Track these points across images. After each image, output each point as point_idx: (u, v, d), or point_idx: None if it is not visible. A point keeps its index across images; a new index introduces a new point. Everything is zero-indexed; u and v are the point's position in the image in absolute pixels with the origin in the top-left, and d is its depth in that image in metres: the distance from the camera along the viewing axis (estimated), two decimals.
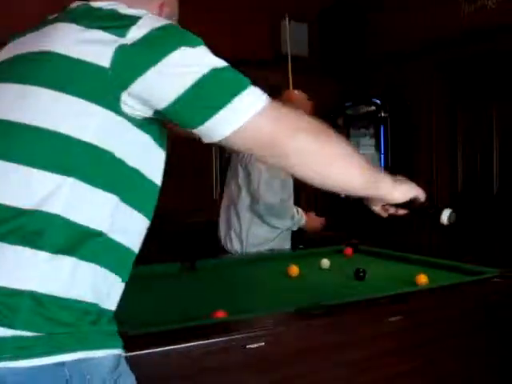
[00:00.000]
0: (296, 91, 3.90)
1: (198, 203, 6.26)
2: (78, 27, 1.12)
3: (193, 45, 1.14)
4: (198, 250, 3.09)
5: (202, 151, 6.24)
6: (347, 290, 2.21)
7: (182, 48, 1.11)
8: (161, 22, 1.15)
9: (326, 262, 2.71)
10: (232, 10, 6.19)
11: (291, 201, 3.49)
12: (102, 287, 1.10)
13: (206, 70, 1.11)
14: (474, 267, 2.47)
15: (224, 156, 6.46)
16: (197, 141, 1.19)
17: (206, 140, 1.16)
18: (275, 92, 6.47)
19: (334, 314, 1.77)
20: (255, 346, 1.54)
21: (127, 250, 1.16)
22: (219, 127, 1.12)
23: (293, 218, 3.43)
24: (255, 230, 3.37)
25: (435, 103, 5.69)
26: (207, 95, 1.11)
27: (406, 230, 5.90)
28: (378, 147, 5.99)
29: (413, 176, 5.35)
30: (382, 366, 1.83)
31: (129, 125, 1.12)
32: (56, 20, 1.20)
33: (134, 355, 1.35)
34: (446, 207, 1.50)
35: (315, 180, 1.25)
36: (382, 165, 5.93)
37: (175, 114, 1.13)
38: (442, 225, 1.50)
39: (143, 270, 2.58)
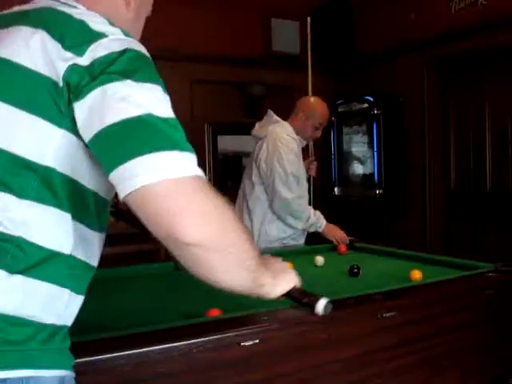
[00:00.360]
0: (312, 98, 3.94)
1: None
2: (39, 35, 1.05)
3: (144, 80, 1.03)
4: None
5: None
6: (342, 287, 2.21)
7: (128, 81, 1.01)
8: (125, 45, 1.05)
9: (320, 259, 2.71)
10: (223, 8, 6.18)
11: (305, 200, 3.57)
12: (57, 304, 1.06)
13: (140, 112, 0.99)
14: (469, 262, 2.48)
15: (218, 158, 6.46)
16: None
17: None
18: (268, 90, 6.48)
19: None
20: (250, 343, 1.54)
21: (85, 265, 1.12)
22: (124, 181, 0.98)
23: (308, 219, 3.48)
24: (267, 227, 3.52)
25: (427, 100, 5.70)
26: (125, 139, 0.98)
27: (401, 227, 5.92)
28: (370, 144, 6.00)
29: (406, 173, 5.37)
30: (377, 361, 1.83)
31: (82, 144, 1.04)
32: (18, 21, 1.12)
33: (135, 353, 1.37)
34: (322, 297, 1.47)
35: (200, 277, 1.09)
36: (376, 162, 5.94)
37: (93, 149, 1.02)
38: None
39: (138, 269, 2.58)
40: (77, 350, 1.35)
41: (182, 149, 1.01)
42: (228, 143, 6.59)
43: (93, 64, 1.00)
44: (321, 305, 1.46)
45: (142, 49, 1.10)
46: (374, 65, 6.27)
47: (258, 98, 6.47)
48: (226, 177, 6.60)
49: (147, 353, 1.39)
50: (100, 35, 1.04)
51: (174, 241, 0.98)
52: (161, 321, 1.63)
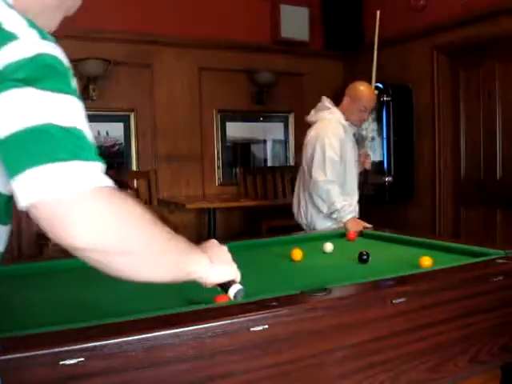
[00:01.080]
0: (358, 82, 3.99)
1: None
2: None
3: (49, 88, 0.98)
4: None
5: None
6: (351, 273, 2.21)
7: (31, 89, 0.96)
8: (37, 50, 0.99)
9: (329, 246, 2.71)
10: None
11: (336, 186, 3.61)
12: None
13: (39, 121, 0.96)
14: (479, 249, 2.47)
15: (226, 145, 6.45)
16: None
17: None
18: (277, 77, 6.47)
19: (338, 297, 1.77)
20: (259, 328, 1.54)
21: None
22: (21, 192, 0.96)
23: (332, 205, 3.55)
24: (310, 208, 3.78)
25: (437, 87, 5.67)
26: (22, 149, 0.95)
27: (410, 215, 5.91)
28: (380, 131, 5.97)
29: (416, 161, 5.36)
30: (387, 348, 1.83)
31: None
32: None
33: (145, 337, 1.37)
34: (238, 284, 1.54)
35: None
36: (385, 149, 5.92)
37: None
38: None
39: None
40: (87, 334, 1.37)
41: (82, 159, 0.99)
42: (237, 130, 6.58)
43: (1, 70, 0.96)
44: (233, 290, 1.52)
45: (57, 53, 1.04)
46: (383, 51, 6.22)
47: (267, 85, 6.45)
48: (235, 164, 6.60)
49: (157, 337, 1.39)
50: (11, 37, 0.98)
51: (69, 247, 1.00)
52: (169, 306, 1.64)
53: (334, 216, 3.57)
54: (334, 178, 3.60)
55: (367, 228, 3.34)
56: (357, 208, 3.82)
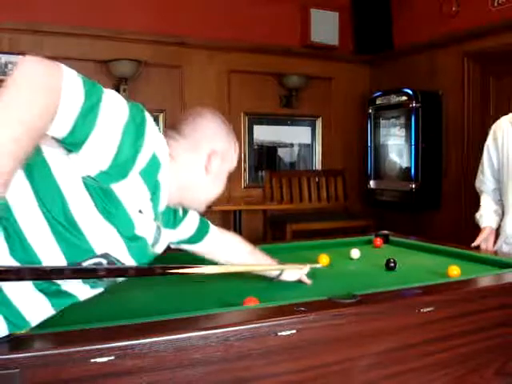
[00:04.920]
0: None
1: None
2: None
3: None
4: None
5: None
6: (378, 280, 2.20)
7: None
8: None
9: (356, 252, 2.70)
10: None
11: (483, 189, 3.19)
12: None
13: None
14: (507, 259, 2.45)
15: (253, 147, 6.46)
16: None
17: None
18: (306, 81, 6.46)
19: (365, 304, 1.77)
20: (287, 333, 1.55)
21: None
22: None
23: (479, 209, 3.15)
24: None
25: (467, 94, 5.62)
26: None
27: (435, 222, 5.86)
28: (408, 138, 5.94)
29: (444, 169, 5.26)
30: (412, 357, 1.82)
31: None
32: None
33: (174, 338, 1.39)
34: None
35: None
36: (413, 156, 5.88)
37: None
38: None
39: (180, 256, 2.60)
40: (118, 333, 1.39)
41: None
42: (264, 133, 6.59)
43: None
44: None
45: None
46: (412, 57, 6.20)
47: (295, 88, 6.46)
48: (261, 167, 6.61)
49: (186, 338, 1.40)
50: None
51: None
52: (198, 308, 1.65)
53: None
54: (479, 182, 3.23)
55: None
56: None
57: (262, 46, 6.18)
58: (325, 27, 6.44)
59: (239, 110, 6.34)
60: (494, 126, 3.14)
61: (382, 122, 6.34)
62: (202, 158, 1.56)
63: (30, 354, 1.25)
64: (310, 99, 6.68)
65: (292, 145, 6.83)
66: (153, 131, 1.37)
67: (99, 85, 1.28)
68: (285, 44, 6.35)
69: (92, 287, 1.43)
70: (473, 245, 2.92)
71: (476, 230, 3.10)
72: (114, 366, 1.32)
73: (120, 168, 1.29)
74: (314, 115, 6.81)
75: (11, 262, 1.26)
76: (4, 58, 5.16)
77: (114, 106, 1.28)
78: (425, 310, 1.81)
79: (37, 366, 1.25)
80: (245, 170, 6.50)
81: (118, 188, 1.32)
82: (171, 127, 1.58)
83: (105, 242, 1.35)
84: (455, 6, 5.62)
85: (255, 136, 6.54)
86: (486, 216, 3.08)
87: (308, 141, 6.90)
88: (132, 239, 1.41)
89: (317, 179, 6.74)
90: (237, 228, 5.74)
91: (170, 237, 1.72)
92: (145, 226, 1.44)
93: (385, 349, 1.76)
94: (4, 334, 1.30)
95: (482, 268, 2.38)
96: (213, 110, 1.67)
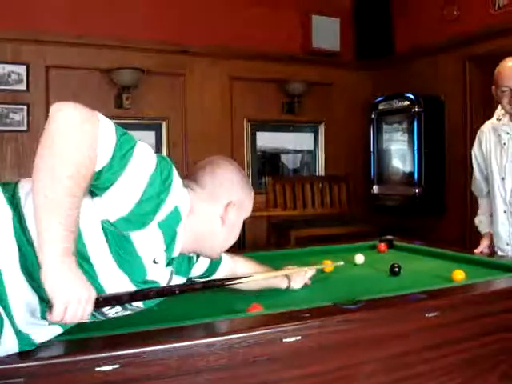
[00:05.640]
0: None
1: None
2: None
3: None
4: None
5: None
6: (383, 285, 2.19)
7: None
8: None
9: (360, 258, 2.70)
10: (263, 4, 6.19)
11: (478, 194, 3.23)
12: None
13: None
14: (511, 263, 2.45)
15: (256, 154, 6.47)
16: None
17: None
18: (308, 87, 6.46)
19: (370, 309, 1.76)
20: (292, 339, 1.55)
21: None
22: None
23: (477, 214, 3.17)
24: None
25: (469, 99, 5.61)
26: None
27: (439, 227, 5.85)
28: (411, 143, 5.93)
29: (447, 174, 5.21)
30: (417, 362, 1.81)
31: None
32: None
33: (179, 346, 1.40)
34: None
35: None
36: (416, 161, 5.87)
37: None
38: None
39: None
40: (123, 341, 1.39)
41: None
42: (266, 140, 6.60)
43: None
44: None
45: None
46: (413, 62, 6.20)
47: (298, 95, 6.46)
48: (264, 173, 6.61)
49: (192, 346, 1.41)
50: None
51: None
52: (203, 315, 1.65)
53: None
54: (473, 188, 3.29)
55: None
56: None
57: (263, 53, 6.19)
58: (326, 33, 6.45)
59: (242, 117, 6.35)
60: (479, 131, 3.15)
61: (385, 127, 6.34)
62: (219, 209, 1.58)
63: (33, 364, 1.26)
64: (313, 105, 6.69)
65: (295, 151, 6.83)
66: (178, 186, 1.41)
67: (131, 134, 1.33)
68: (287, 51, 6.36)
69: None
70: (475, 252, 2.91)
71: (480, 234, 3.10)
72: (119, 374, 1.32)
73: (140, 217, 1.32)
74: (316, 121, 6.82)
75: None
76: (7, 67, 5.17)
77: (144, 157, 1.32)
78: (430, 315, 1.81)
79: (41, 376, 1.25)
80: (248, 176, 6.50)
81: (136, 236, 1.34)
82: (189, 177, 1.60)
83: (115, 285, 1.38)
84: (456, 10, 5.62)
85: (258, 142, 6.54)
86: (485, 222, 3.11)
87: (311, 147, 6.90)
88: (144, 283, 1.44)
89: (320, 185, 6.73)
90: (240, 234, 5.72)
91: (182, 280, 1.72)
92: (157, 273, 1.47)
93: (389, 354, 1.76)
94: (14, 351, 1.31)
95: (486, 272, 2.38)
96: (227, 158, 1.69)
